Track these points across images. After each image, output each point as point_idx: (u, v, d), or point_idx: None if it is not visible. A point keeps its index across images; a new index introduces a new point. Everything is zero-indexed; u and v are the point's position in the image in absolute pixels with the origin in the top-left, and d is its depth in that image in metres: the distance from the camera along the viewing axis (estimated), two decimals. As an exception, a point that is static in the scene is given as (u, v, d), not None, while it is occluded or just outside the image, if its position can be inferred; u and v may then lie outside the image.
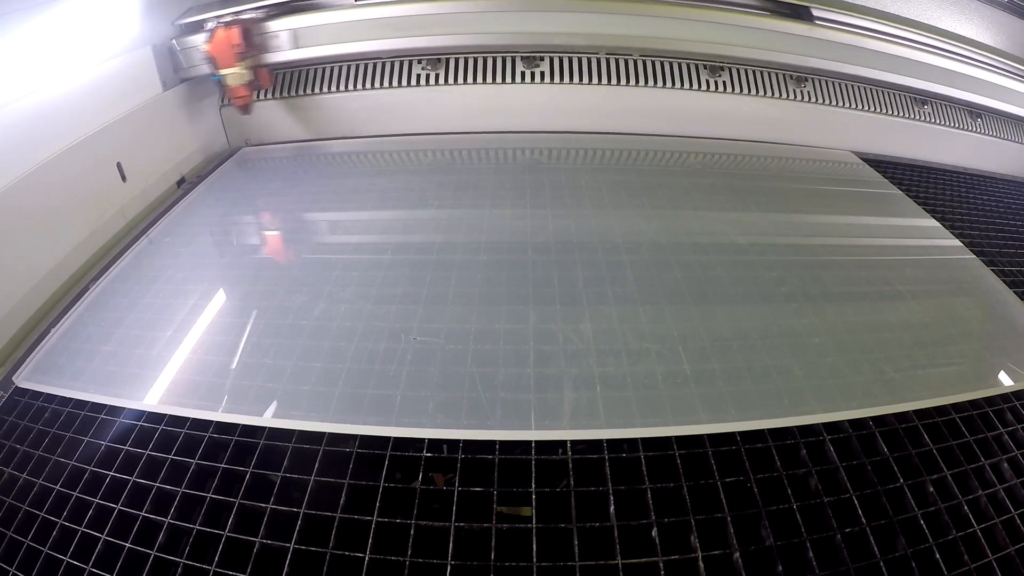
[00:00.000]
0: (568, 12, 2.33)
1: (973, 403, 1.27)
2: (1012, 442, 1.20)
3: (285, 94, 2.69)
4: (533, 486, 1.06)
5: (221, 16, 2.36)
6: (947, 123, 2.87)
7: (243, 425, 1.19)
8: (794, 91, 2.69)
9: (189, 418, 1.22)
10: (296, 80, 2.69)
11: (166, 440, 1.18)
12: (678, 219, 2.04)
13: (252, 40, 2.38)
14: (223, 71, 2.37)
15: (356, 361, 1.33)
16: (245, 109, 2.57)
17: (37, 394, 1.35)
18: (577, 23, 2.36)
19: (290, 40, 2.44)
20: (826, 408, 1.22)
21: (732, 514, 1.01)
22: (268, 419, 1.20)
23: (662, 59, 2.64)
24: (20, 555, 1.02)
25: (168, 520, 1.03)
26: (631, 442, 1.13)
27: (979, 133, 2.94)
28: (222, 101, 2.72)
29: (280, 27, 2.42)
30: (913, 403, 1.25)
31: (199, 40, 2.37)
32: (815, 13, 2.45)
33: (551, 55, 2.62)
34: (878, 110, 2.76)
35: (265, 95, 2.70)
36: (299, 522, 1.01)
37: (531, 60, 2.62)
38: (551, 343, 1.37)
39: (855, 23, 2.49)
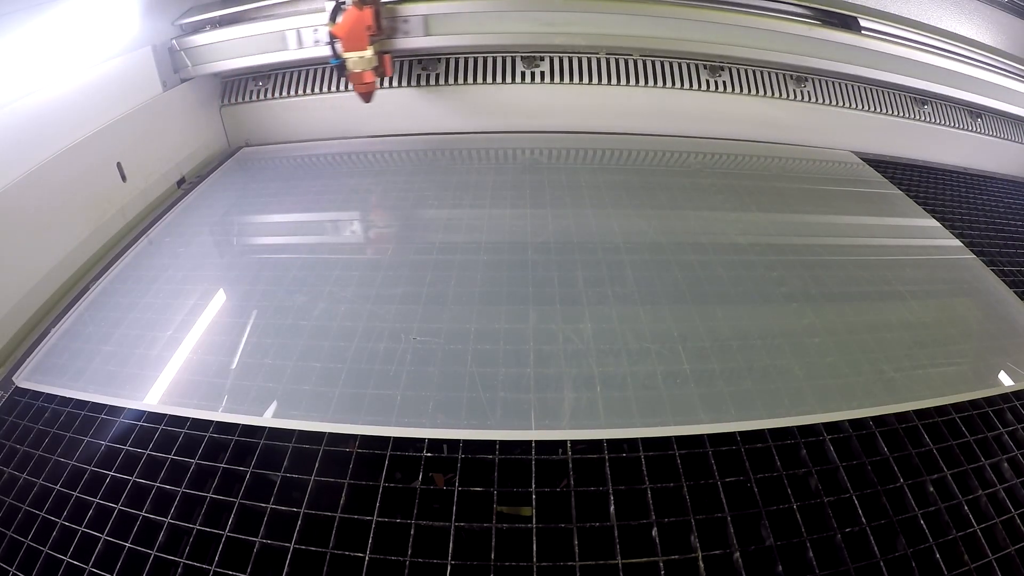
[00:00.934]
0: (568, 12, 2.33)
1: (973, 403, 1.27)
2: (1012, 442, 1.20)
3: (285, 94, 2.69)
4: (533, 486, 1.06)
5: None
6: (947, 123, 2.87)
7: (243, 425, 1.19)
8: (794, 91, 2.69)
9: (189, 418, 1.22)
10: (296, 80, 2.69)
11: (166, 440, 1.18)
12: (678, 219, 2.03)
13: (382, 23, 2.27)
14: (349, 54, 2.22)
15: (356, 361, 1.33)
16: (368, 97, 2.43)
17: (37, 394, 1.35)
18: (577, 23, 2.36)
19: (423, 26, 2.32)
20: (826, 408, 1.22)
21: (732, 514, 1.01)
22: (268, 419, 1.20)
23: (662, 59, 2.64)
24: (20, 555, 1.02)
25: (168, 520, 1.03)
26: (631, 442, 1.13)
27: (979, 133, 2.94)
28: (222, 101, 2.72)
29: (414, 11, 2.30)
30: (913, 403, 1.25)
31: (319, 20, 2.25)
32: (819, 13, 2.45)
33: (551, 55, 2.63)
34: (878, 110, 2.76)
35: (265, 95, 2.70)
36: (299, 522, 1.01)
37: (531, 60, 2.62)
38: (551, 343, 1.37)
39: (855, 23, 2.49)
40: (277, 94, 2.70)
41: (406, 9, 2.31)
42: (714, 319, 1.47)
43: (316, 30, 2.30)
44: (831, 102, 2.71)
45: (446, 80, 2.62)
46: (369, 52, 2.24)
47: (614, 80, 2.61)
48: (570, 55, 2.62)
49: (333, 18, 2.21)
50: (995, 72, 2.71)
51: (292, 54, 2.45)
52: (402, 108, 2.69)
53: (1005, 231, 2.16)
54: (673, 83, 2.62)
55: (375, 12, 2.21)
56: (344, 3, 2.19)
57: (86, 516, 1.06)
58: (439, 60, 2.63)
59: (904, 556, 0.96)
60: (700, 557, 0.95)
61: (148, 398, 1.28)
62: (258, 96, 2.71)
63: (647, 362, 1.32)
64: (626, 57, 2.63)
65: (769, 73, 2.68)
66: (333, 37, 2.21)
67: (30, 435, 1.25)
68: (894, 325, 1.51)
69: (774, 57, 2.46)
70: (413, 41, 2.38)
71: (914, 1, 2.68)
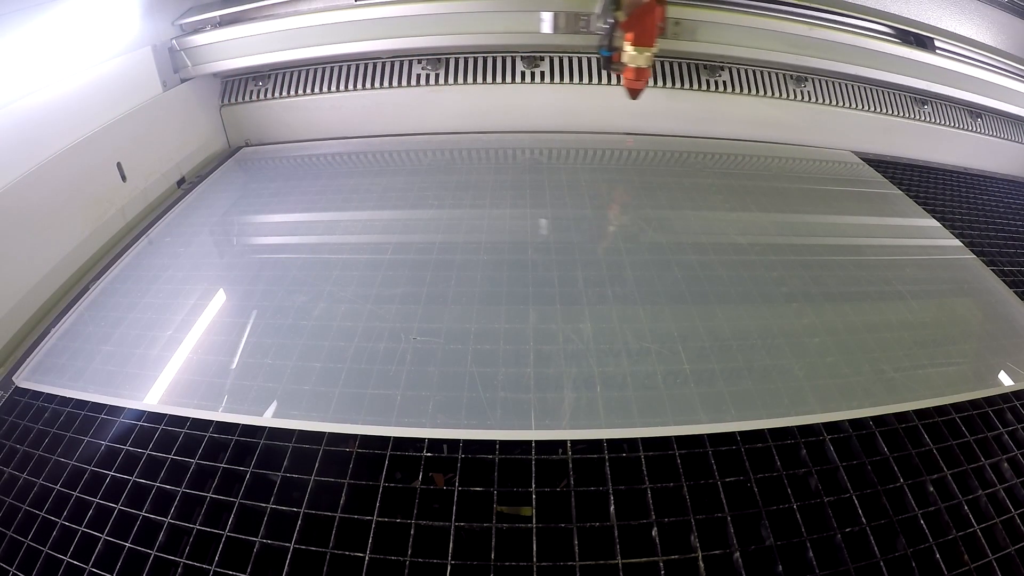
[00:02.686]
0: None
1: (973, 403, 1.27)
2: (1012, 442, 1.20)
3: (285, 94, 2.69)
4: (533, 486, 1.06)
5: None
6: (947, 123, 2.87)
7: (243, 425, 1.19)
8: (794, 91, 2.69)
9: (189, 418, 1.22)
10: (296, 80, 2.69)
11: (166, 440, 1.18)
12: (678, 219, 2.03)
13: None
14: (633, 49, 2.05)
15: (356, 361, 1.33)
16: (637, 94, 2.28)
17: (37, 394, 1.35)
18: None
19: (689, 31, 2.25)
20: (826, 408, 1.22)
21: (732, 514, 1.01)
22: (268, 419, 1.20)
23: (662, 59, 2.63)
24: (20, 555, 1.02)
25: (168, 520, 1.03)
26: (631, 442, 1.13)
27: (979, 133, 2.94)
28: (222, 101, 2.72)
29: (692, 16, 2.24)
30: (913, 403, 1.25)
31: (595, 5, 2.12)
32: (817, 10, 2.45)
33: (551, 55, 2.62)
34: (878, 110, 2.75)
35: (265, 95, 2.70)
36: (299, 522, 1.01)
37: (531, 60, 2.62)
38: (551, 343, 1.37)
39: (855, 23, 2.49)
40: (277, 94, 2.70)
41: (685, 13, 2.24)
42: (714, 319, 1.47)
43: (585, 17, 2.15)
44: (831, 102, 2.71)
45: (445, 80, 2.62)
46: (655, 49, 2.07)
47: (614, 80, 2.61)
48: (570, 55, 2.62)
49: (615, 6, 2.01)
50: (995, 72, 2.71)
51: (537, 38, 2.33)
52: (401, 108, 2.69)
53: (1005, 231, 2.16)
54: (673, 83, 2.62)
55: (665, 8, 2.09)
56: None
57: (86, 516, 1.06)
58: (440, 60, 2.63)
59: (904, 556, 0.96)
60: (700, 557, 0.95)
61: (148, 398, 1.28)
62: (258, 96, 2.71)
63: (647, 362, 1.32)
64: (626, 57, 2.63)
65: (769, 73, 2.68)
66: (615, 27, 2.02)
67: (30, 435, 1.25)
68: (894, 325, 1.51)
69: (774, 57, 2.45)
70: (680, 45, 2.32)
71: (914, 1, 2.68)
